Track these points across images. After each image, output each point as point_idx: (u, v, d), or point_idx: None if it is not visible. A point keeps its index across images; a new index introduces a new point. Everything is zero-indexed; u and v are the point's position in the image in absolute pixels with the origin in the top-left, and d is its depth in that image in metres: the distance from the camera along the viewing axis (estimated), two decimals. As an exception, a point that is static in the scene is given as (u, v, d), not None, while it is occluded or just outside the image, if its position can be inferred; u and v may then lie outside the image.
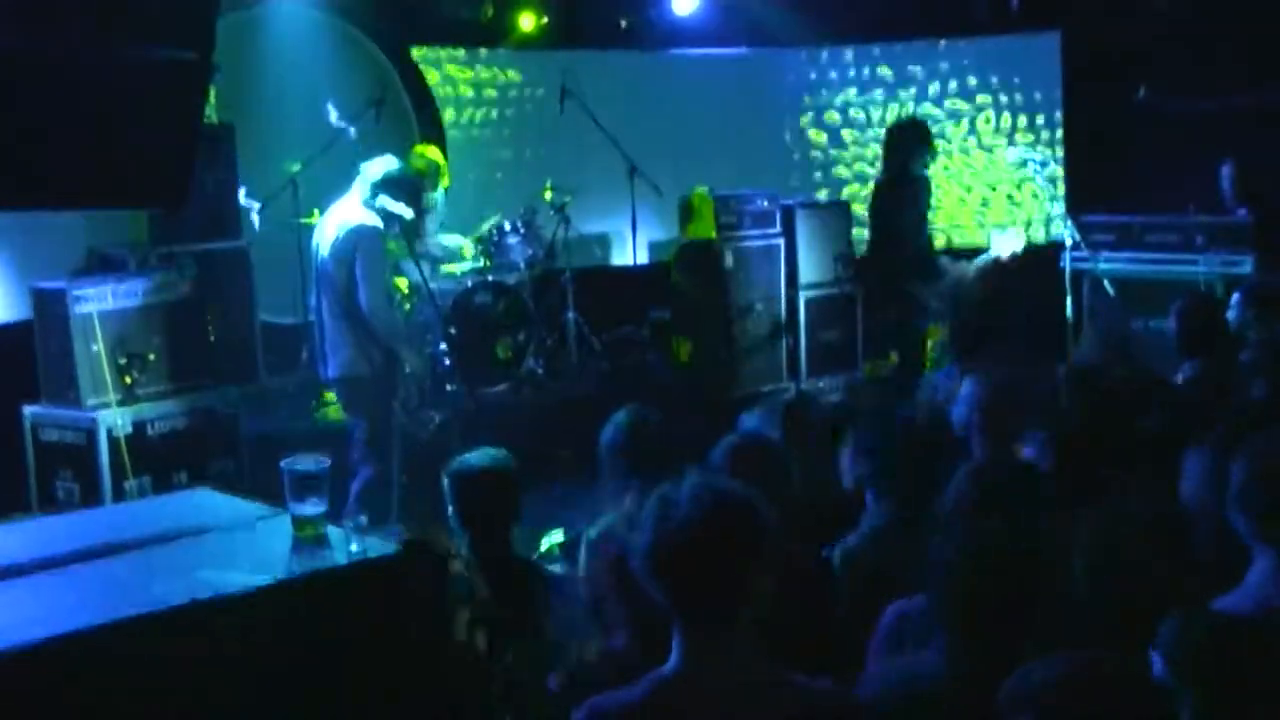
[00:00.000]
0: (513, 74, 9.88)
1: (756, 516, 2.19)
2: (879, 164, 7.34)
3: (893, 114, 10.08)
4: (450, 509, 3.58)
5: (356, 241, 5.40)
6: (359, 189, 5.55)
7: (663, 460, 3.47)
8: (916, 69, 10.25)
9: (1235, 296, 5.69)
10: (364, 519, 2.78)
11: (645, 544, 2.19)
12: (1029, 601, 2.48)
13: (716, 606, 2.16)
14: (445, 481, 3.58)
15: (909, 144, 7.11)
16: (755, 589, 2.16)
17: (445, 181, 8.24)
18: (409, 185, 5.69)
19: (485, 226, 8.04)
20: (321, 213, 6.11)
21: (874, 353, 7.85)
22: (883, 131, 7.49)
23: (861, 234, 8.11)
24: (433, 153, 8.22)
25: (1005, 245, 7.08)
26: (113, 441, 5.55)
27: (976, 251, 7.28)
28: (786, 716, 2.19)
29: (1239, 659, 2.26)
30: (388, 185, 5.49)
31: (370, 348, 5.46)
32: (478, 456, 3.60)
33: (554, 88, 8.60)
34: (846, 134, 10.38)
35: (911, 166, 7.10)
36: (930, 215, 7.23)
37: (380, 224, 5.49)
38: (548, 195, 8.33)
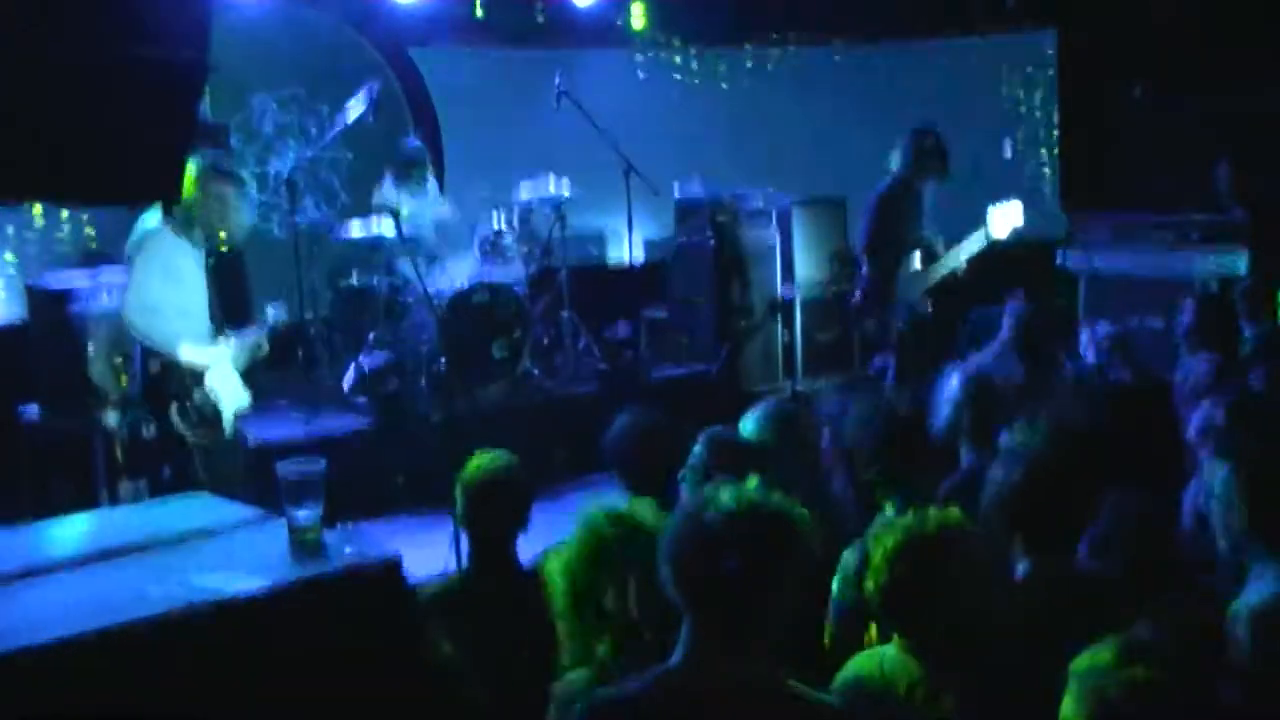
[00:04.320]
0: (509, 73, 9.86)
1: (794, 531, 2.20)
2: (882, 164, 7.23)
3: (891, 114, 10.07)
4: (458, 512, 3.55)
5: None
6: None
7: (668, 464, 3.47)
8: (914, 68, 10.25)
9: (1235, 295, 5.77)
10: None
11: (674, 538, 2.21)
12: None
13: (735, 612, 2.16)
14: (457, 486, 3.54)
15: (918, 152, 6.96)
16: (778, 600, 2.17)
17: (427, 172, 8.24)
18: None
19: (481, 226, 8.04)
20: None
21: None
22: (878, 131, 7.44)
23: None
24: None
25: (1003, 221, 6.83)
26: (109, 443, 5.53)
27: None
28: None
29: None
30: None
31: None
32: (490, 462, 3.56)
33: (550, 86, 8.60)
34: (843, 133, 10.36)
35: (916, 174, 6.98)
36: (924, 223, 7.15)
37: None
38: (544, 194, 8.30)
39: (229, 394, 5.11)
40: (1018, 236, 6.70)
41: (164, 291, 4.92)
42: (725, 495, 2.20)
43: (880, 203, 7.00)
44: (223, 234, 5.12)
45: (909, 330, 6.78)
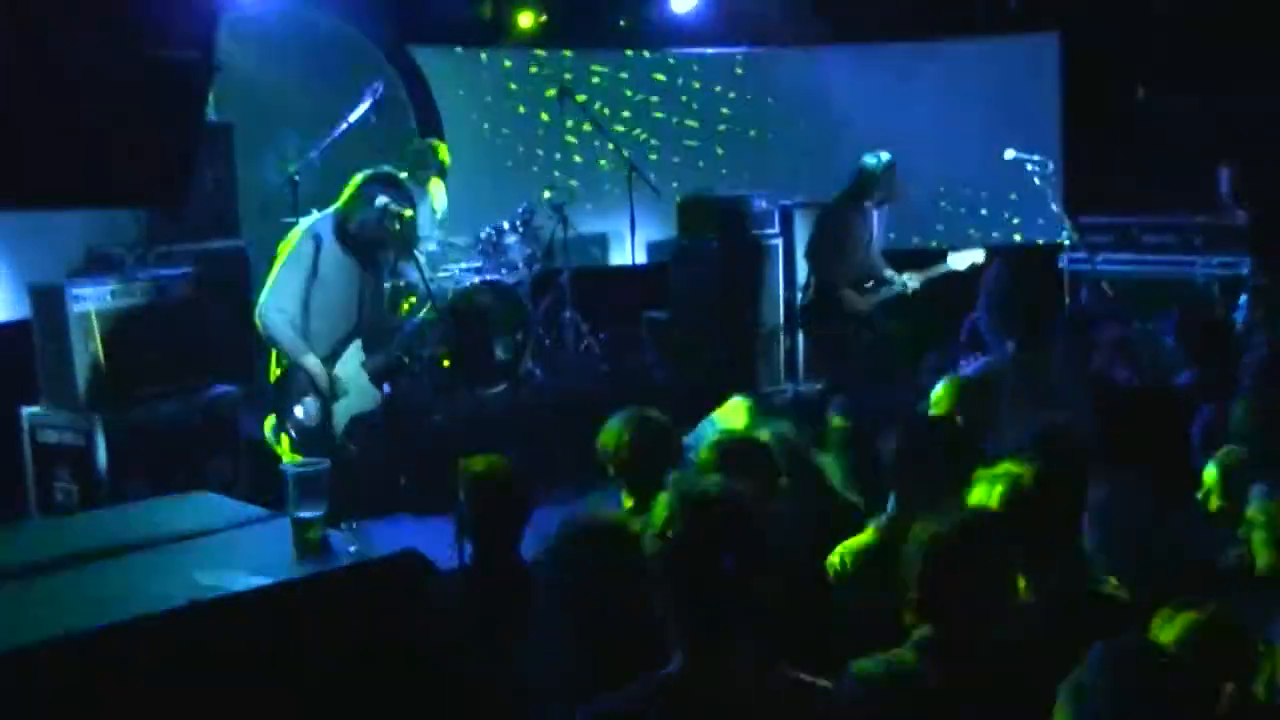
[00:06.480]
0: (511, 73, 9.88)
1: (747, 519, 2.19)
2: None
3: (892, 115, 10.07)
4: (459, 512, 3.57)
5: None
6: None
7: (664, 462, 3.48)
8: (916, 70, 10.24)
9: (1242, 299, 5.75)
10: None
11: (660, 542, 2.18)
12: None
13: (715, 609, 2.15)
14: (459, 485, 3.56)
15: (868, 175, 7.23)
16: (753, 591, 2.16)
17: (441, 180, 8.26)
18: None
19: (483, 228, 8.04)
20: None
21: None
22: (882, 134, 7.51)
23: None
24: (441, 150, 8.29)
25: (962, 262, 7.27)
26: (111, 442, 5.54)
27: (930, 257, 7.42)
28: (788, 717, 2.20)
29: None
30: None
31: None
32: (485, 466, 3.58)
33: (553, 87, 8.62)
34: (844, 135, 10.37)
35: (867, 196, 7.24)
36: (876, 247, 7.33)
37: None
38: (546, 195, 8.32)
39: (353, 400, 5.29)
40: (975, 269, 7.22)
41: (310, 292, 5.13)
42: (697, 493, 2.18)
43: (827, 215, 7.29)
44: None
45: (865, 340, 6.98)
